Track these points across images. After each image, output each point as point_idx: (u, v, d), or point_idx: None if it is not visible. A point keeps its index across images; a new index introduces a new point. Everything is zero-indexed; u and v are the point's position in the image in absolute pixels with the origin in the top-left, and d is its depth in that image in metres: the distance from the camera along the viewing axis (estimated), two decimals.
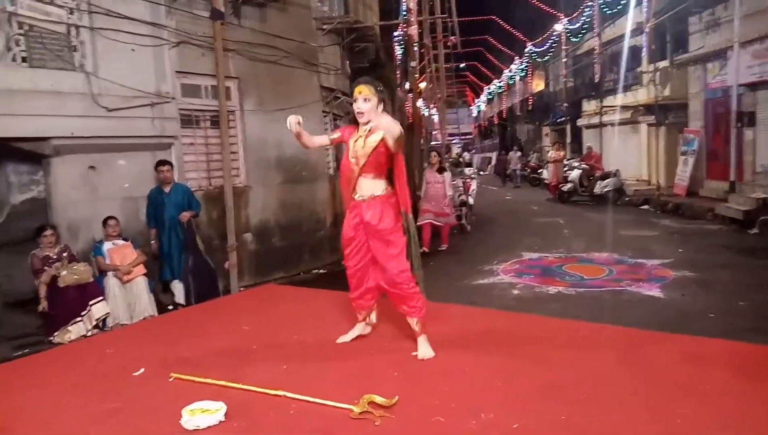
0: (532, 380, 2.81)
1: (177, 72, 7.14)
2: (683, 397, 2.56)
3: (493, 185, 24.48)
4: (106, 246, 6.11)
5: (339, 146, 10.63)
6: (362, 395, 2.59)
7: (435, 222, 9.30)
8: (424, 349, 3.20)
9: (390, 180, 3.29)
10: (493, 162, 33.63)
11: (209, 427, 2.42)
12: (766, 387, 2.66)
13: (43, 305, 5.52)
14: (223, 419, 2.47)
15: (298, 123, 3.14)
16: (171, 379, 2.95)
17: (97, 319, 5.68)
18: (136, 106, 6.54)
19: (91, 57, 6.17)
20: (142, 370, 3.12)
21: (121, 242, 6.21)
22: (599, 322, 4.39)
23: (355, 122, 3.30)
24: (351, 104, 3.31)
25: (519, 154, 25.87)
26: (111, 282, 5.96)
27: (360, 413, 2.48)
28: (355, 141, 3.24)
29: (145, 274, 6.20)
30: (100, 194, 6.40)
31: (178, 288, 6.60)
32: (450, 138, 18.79)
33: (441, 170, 9.43)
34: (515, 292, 6.90)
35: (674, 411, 2.43)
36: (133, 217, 6.65)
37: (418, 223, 8.31)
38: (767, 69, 11.91)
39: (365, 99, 3.16)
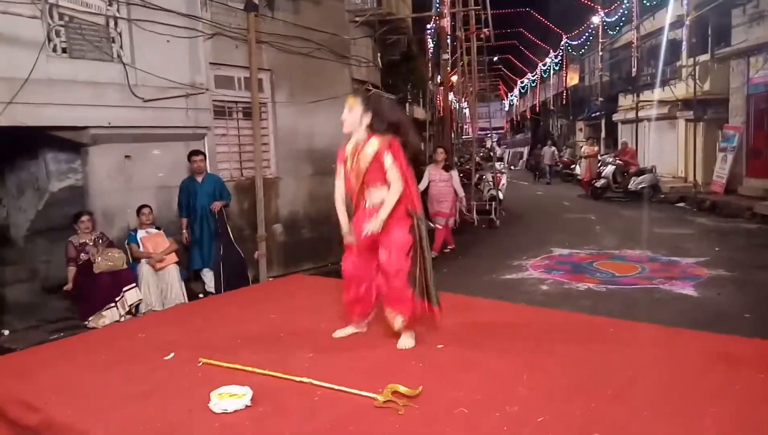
0: (558, 376, 2.79)
1: (211, 63, 7.24)
2: (714, 397, 2.51)
3: (525, 180, 24.20)
4: (140, 234, 6.25)
5: None
6: (386, 385, 2.60)
7: (436, 226, 8.50)
8: (406, 340, 3.21)
9: None
10: (525, 157, 33.25)
11: (236, 410, 2.47)
12: None
13: (68, 287, 5.74)
14: (249, 404, 2.52)
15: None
16: (200, 364, 3.02)
17: (130, 305, 5.82)
18: (171, 97, 6.64)
19: (129, 48, 6.30)
20: (173, 354, 3.19)
21: (154, 230, 6.35)
22: (630, 319, 4.31)
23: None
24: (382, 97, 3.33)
25: (553, 149, 24.07)
26: (144, 269, 6.10)
27: (384, 402, 2.49)
28: (351, 155, 3.28)
29: (176, 263, 6.33)
30: (134, 183, 6.53)
31: (208, 276, 6.73)
32: (481, 132, 18.49)
33: (447, 168, 8.67)
34: (544, 287, 6.82)
35: (703, 410, 2.39)
36: (166, 207, 6.79)
37: (432, 227, 8.05)
38: None
39: (349, 108, 3.25)
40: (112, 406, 2.58)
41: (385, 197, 3.21)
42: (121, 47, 6.25)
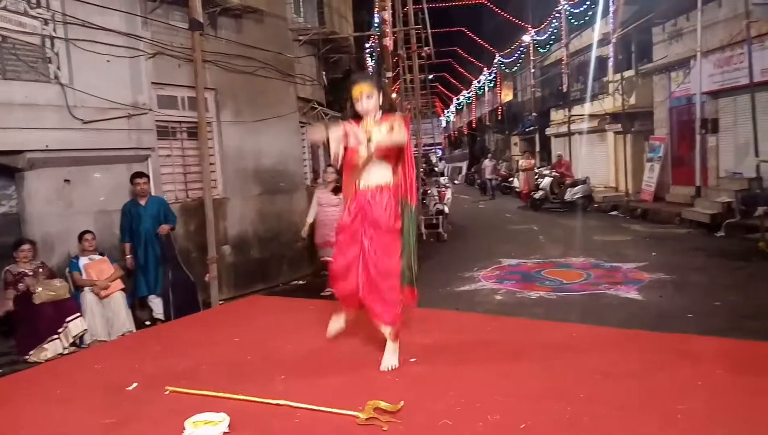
0: (531, 381, 2.84)
1: (153, 83, 7.05)
2: (680, 394, 2.62)
3: (466, 194, 24.69)
4: (83, 261, 5.97)
5: (316, 158, 10.56)
6: (365, 402, 2.57)
7: (326, 257, 7.03)
8: (391, 358, 3.10)
9: (395, 171, 3.22)
10: (464, 171, 33.96)
11: None
12: (757, 381, 2.73)
13: (8, 307, 5.42)
14: (227, 430, 2.43)
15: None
16: (167, 393, 2.89)
17: (74, 337, 5.54)
18: (112, 118, 6.42)
19: (67, 68, 6.05)
20: (135, 384, 3.04)
21: (97, 257, 6.08)
22: (585, 324, 4.46)
23: (356, 118, 3.23)
24: (352, 105, 3.25)
25: (494, 162, 23.82)
26: (88, 298, 5.82)
27: (366, 419, 2.46)
28: (365, 131, 3.14)
29: (122, 289, 6.08)
30: (75, 208, 6.25)
31: (155, 302, 6.49)
32: (426, 148, 18.76)
33: (338, 190, 7.13)
34: (498, 297, 6.97)
35: (673, 407, 2.48)
36: (108, 231, 6.52)
37: (322, 260, 7.32)
38: (728, 77, 12.36)
39: (368, 96, 3.14)
40: None
41: (381, 179, 3.16)
42: (58, 68, 6.00)
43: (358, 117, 3.21)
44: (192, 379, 3.04)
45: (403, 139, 3.13)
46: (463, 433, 2.34)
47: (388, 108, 3.26)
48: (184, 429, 2.41)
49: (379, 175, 3.18)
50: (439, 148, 26.75)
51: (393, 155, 3.18)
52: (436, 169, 18.25)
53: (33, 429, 2.58)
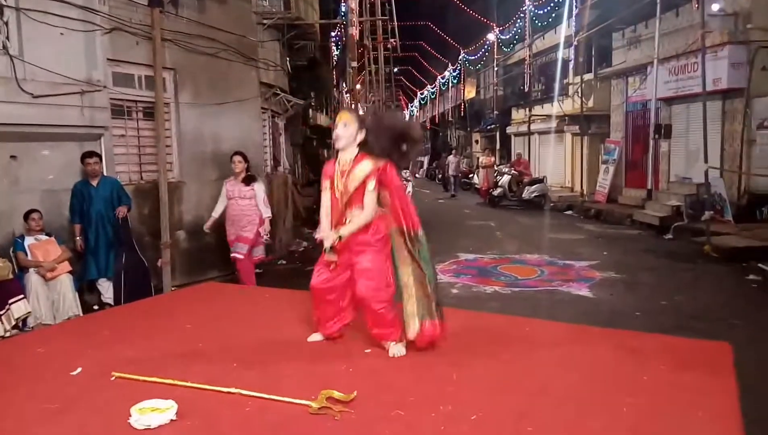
0: (485, 374, 2.87)
1: (109, 60, 6.80)
2: (626, 388, 2.69)
3: (426, 189, 24.85)
4: (28, 241, 5.73)
5: (277, 145, 10.42)
6: (318, 391, 2.55)
7: (236, 254, 6.79)
8: (396, 348, 3.12)
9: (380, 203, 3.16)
10: (425, 166, 34.16)
11: (160, 426, 2.31)
12: (699, 378, 2.83)
13: None
14: (174, 418, 2.37)
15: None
16: (113, 379, 2.80)
17: (16, 319, 5.30)
18: (64, 94, 6.16)
19: (17, 39, 5.77)
20: (80, 369, 2.93)
21: (43, 237, 5.85)
22: (538, 319, 4.54)
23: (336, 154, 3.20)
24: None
25: (458, 158, 23.46)
26: (33, 279, 5.59)
27: (318, 409, 2.44)
28: (340, 173, 3.12)
29: (70, 272, 5.87)
30: (21, 186, 5.98)
31: (105, 286, 6.30)
32: None
33: (249, 180, 6.69)
34: (454, 291, 7.03)
35: (620, 401, 2.55)
36: (56, 211, 6.27)
37: (232, 257, 6.87)
38: (682, 84, 12.78)
39: (344, 124, 3.10)
40: (24, 428, 2.33)
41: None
42: (7, 38, 5.71)
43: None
44: (140, 366, 2.95)
45: (367, 218, 3.07)
46: (415, 424, 2.34)
47: (379, 151, 3.09)
48: (130, 415, 2.34)
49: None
50: None
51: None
52: None
53: None
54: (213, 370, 2.91)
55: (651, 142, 13.91)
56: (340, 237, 3.05)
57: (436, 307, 3.12)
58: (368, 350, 3.19)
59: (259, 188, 6.75)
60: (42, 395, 2.60)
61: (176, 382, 2.71)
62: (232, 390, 2.61)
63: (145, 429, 2.29)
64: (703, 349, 3.33)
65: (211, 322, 3.82)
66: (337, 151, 3.19)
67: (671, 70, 13.07)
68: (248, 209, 6.67)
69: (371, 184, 3.05)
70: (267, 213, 6.76)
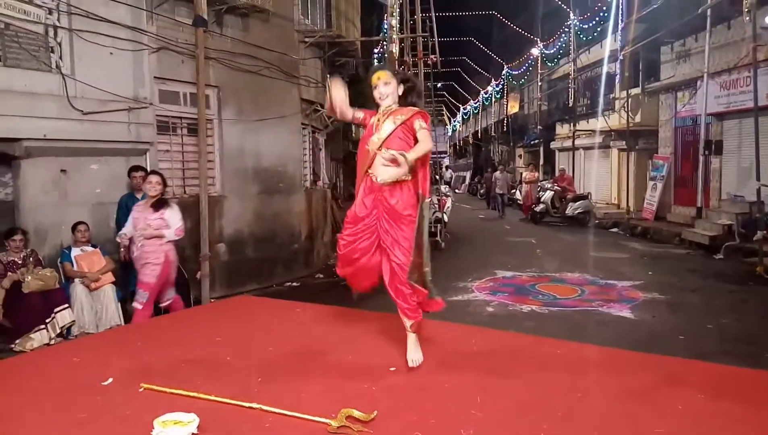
0: (511, 396, 2.80)
1: (155, 78, 7.06)
2: (659, 416, 2.58)
3: (467, 204, 24.69)
4: (74, 252, 5.96)
5: (316, 160, 10.55)
6: (339, 409, 2.54)
7: (135, 304, 5.20)
8: (413, 352, 3.16)
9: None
10: (467, 181, 33.98)
11: None
12: (738, 408, 2.69)
13: None
14: (195, 431, 2.39)
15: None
16: (141, 390, 2.86)
17: (61, 327, 5.52)
18: (113, 111, 6.42)
19: (69, 59, 6.06)
20: (111, 380, 3.01)
21: (89, 249, 6.07)
22: (572, 341, 4.41)
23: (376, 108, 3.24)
24: (372, 91, 3.21)
25: (507, 175, 20.74)
26: (78, 289, 5.81)
27: (338, 428, 2.43)
28: (378, 119, 3.16)
29: (113, 283, 6.06)
30: (70, 199, 6.25)
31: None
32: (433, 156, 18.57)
33: (159, 204, 5.21)
34: (489, 309, 6.93)
35: (651, 430, 2.44)
36: (103, 224, 6.50)
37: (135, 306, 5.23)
38: (734, 99, 12.33)
39: (385, 83, 3.17)
40: None
41: (395, 173, 3.05)
42: (60, 57, 6.01)
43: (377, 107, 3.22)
44: (168, 377, 3.00)
45: (429, 147, 3.11)
46: None
47: (414, 100, 3.24)
48: (153, 428, 2.38)
49: (390, 170, 3.06)
50: (445, 157, 26.19)
51: (407, 147, 3.10)
52: (443, 177, 18.15)
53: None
54: (237, 383, 2.93)
55: (701, 159, 13.43)
56: (406, 160, 2.95)
57: (427, 277, 3.19)
58: (393, 368, 3.17)
59: (172, 216, 5.25)
60: (70, 404, 2.68)
61: (200, 395, 2.75)
62: (254, 405, 2.62)
63: None
64: (744, 377, 3.17)
65: (240, 336, 3.87)
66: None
67: (722, 84, 12.64)
68: (149, 246, 5.14)
69: (421, 124, 3.09)
70: (172, 235, 5.23)
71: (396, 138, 3.11)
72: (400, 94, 3.21)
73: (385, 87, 3.17)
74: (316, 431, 2.42)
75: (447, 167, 38.17)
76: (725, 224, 11.52)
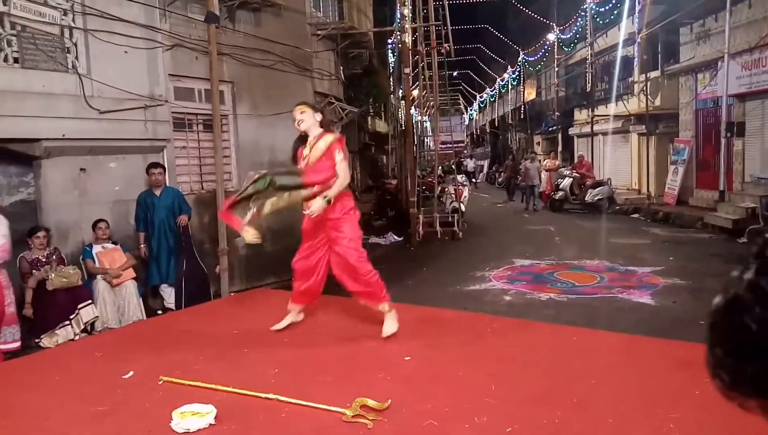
0: (525, 385, 2.81)
1: (170, 75, 7.12)
2: (676, 403, 2.56)
3: (485, 193, 24.56)
4: (96, 249, 6.06)
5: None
6: (354, 399, 2.57)
7: None
8: (390, 324, 3.51)
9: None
10: (485, 170, 33.79)
11: (199, 430, 2.39)
12: None
13: (28, 312, 5.42)
14: (213, 422, 2.44)
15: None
16: (161, 383, 2.92)
17: (85, 323, 5.62)
18: (129, 109, 6.49)
19: (84, 59, 6.14)
20: (131, 373, 3.08)
21: (110, 245, 6.17)
22: (591, 328, 4.39)
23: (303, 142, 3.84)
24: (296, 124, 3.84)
25: (538, 164, 18.33)
26: (100, 285, 5.91)
27: (352, 416, 2.46)
28: (307, 150, 3.74)
29: (134, 278, 6.16)
30: (90, 197, 6.34)
31: (167, 292, 6.57)
32: (443, 145, 18.30)
33: None
34: (507, 298, 6.90)
35: (667, 416, 2.43)
36: (123, 221, 6.60)
37: None
38: (756, 80, 12.06)
39: (301, 112, 3.78)
40: (68, 428, 2.47)
41: (320, 208, 3.56)
42: (76, 58, 6.08)
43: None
44: (187, 370, 3.06)
45: (345, 181, 3.65)
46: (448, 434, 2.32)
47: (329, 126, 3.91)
48: (171, 419, 2.43)
49: (320, 205, 3.55)
50: (458, 146, 25.94)
51: (330, 168, 3.63)
52: (452, 167, 17.98)
53: (21, 416, 2.62)
54: (254, 375, 2.98)
55: (723, 141, 13.17)
56: (329, 200, 3.52)
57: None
58: (408, 358, 3.19)
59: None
60: (91, 397, 2.75)
61: (218, 386, 2.80)
62: (270, 396, 2.67)
63: (185, 432, 2.38)
64: None
65: (257, 328, 3.92)
66: (303, 139, 3.83)
67: (744, 64, 12.36)
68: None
69: (339, 155, 3.62)
70: None
71: (321, 164, 3.63)
72: (319, 120, 3.79)
73: (300, 115, 3.77)
74: (331, 420, 2.46)
75: (471, 156, 37.92)
76: (749, 207, 11.30)
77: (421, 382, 2.87)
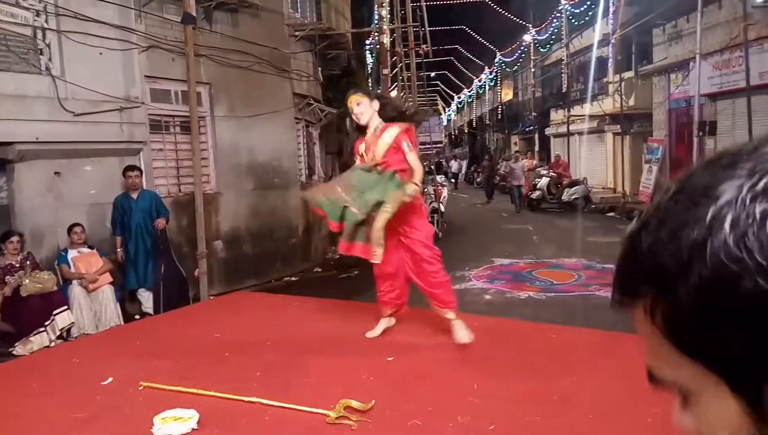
0: (507, 383, 2.83)
1: (146, 76, 7.04)
2: (653, 398, 2.59)
3: (464, 193, 24.70)
4: (71, 254, 5.96)
5: (311, 154, 10.56)
6: (338, 400, 2.57)
7: None
8: (460, 332, 3.31)
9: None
10: (464, 170, 34.01)
11: None
12: None
13: None
14: (195, 427, 2.43)
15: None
16: (141, 388, 2.89)
17: (61, 329, 5.52)
18: (104, 111, 6.41)
19: (58, 60, 6.04)
20: (111, 379, 3.04)
21: (86, 250, 6.08)
22: (570, 326, 4.46)
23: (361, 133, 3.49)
24: (350, 118, 3.55)
25: (524, 162, 17.72)
26: (76, 291, 5.81)
27: (336, 418, 2.46)
28: (368, 144, 3.41)
29: (111, 283, 6.07)
30: (65, 201, 6.24)
31: (144, 296, 6.49)
32: (426, 146, 18.10)
33: None
34: (487, 297, 6.96)
35: (645, 410, 2.47)
36: (99, 224, 6.51)
37: None
38: (727, 80, 12.32)
39: (357, 103, 3.39)
40: None
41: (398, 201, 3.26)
42: (50, 59, 5.98)
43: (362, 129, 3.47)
44: (168, 375, 3.03)
45: (420, 169, 3.41)
46: (431, 434, 2.33)
47: (394, 115, 3.48)
48: (153, 425, 2.41)
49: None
50: (436, 147, 25.83)
51: (401, 162, 3.37)
52: (432, 168, 17.96)
53: (1, 424, 2.57)
54: (237, 378, 2.96)
55: (695, 140, 13.42)
56: (417, 187, 3.30)
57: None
58: (390, 358, 3.20)
59: None
60: (72, 404, 2.71)
61: (199, 391, 2.77)
62: (253, 399, 2.65)
63: None
64: None
65: (239, 331, 3.90)
66: (361, 130, 3.47)
67: (715, 65, 12.62)
68: None
69: (408, 146, 3.33)
70: None
71: (389, 158, 3.34)
72: (377, 109, 3.43)
73: (358, 107, 3.40)
74: (315, 423, 2.45)
75: (455, 157, 37.58)
76: None
77: (405, 382, 2.88)
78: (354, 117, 3.42)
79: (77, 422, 2.53)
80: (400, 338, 3.47)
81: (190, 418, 2.45)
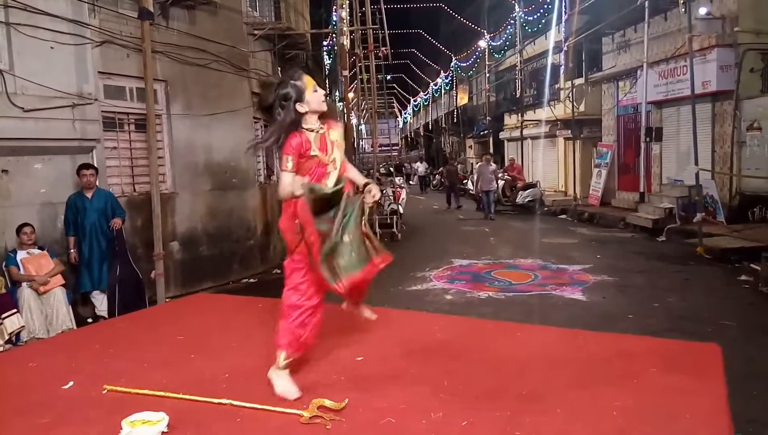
0: (477, 379, 2.88)
1: (100, 72, 6.83)
2: (617, 391, 2.71)
3: (420, 195, 24.92)
4: (20, 255, 5.73)
5: (270, 154, 10.43)
6: (310, 400, 2.56)
7: None
8: (280, 383, 2.72)
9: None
10: (420, 172, 34.24)
11: None
12: (689, 380, 2.85)
13: None
14: (165, 430, 2.37)
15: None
16: (105, 392, 2.80)
17: (10, 333, 5.29)
18: (56, 107, 6.18)
19: (7, 54, 5.80)
20: (72, 383, 2.93)
21: (36, 251, 5.85)
22: (529, 324, 4.57)
23: (293, 127, 2.73)
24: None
25: (493, 167, 16.20)
26: (26, 293, 5.59)
27: (310, 418, 2.45)
28: (321, 144, 2.79)
29: (63, 285, 5.86)
30: (13, 200, 5.99)
31: (98, 299, 6.29)
32: (381, 148, 17.92)
33: None
34: (448, 297, 7.05)
35: (609, 404, 2.57)
36: (50, 225, 6.28)
37: None
38: (672, 88, 12.87)
39: (314, 88, 2.77)
40: None
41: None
42: None
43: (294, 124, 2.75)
44: (132, 378, 2.95)
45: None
46: (405, 431, 2.36)
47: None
48: (121, 429, 2.34)
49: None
50: (394, 148, 25.51)
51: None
52: (391, 170, 17.98)
53: None
54: (205, 380, 2.91)
55: (642, 146, 13.98)
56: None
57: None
58: (360, 358, 3.20)
59: None
60: (33, 410, 2.60)
61: (168, 394, 2.72)
62: (224, 401, 2.61)
63: None
64: (692, 350, 3.36)
65: (202, 333, 3.82)
66: (296, 124, 2.75)
67: (661, 73, 13.17)
68: None
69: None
70: None
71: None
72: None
73: (314, 94, 2.77)
74: (288, 423, 2.44)
75: (421, 159, 36.45)
76: (666, 208, 12.05)
77: (376, 381, 2.89)
78: (321, 100, 2.77)
79: (40, 428, 2.43)
80: (366, 338, 3.48)
81: (159, 421, 2.39)
